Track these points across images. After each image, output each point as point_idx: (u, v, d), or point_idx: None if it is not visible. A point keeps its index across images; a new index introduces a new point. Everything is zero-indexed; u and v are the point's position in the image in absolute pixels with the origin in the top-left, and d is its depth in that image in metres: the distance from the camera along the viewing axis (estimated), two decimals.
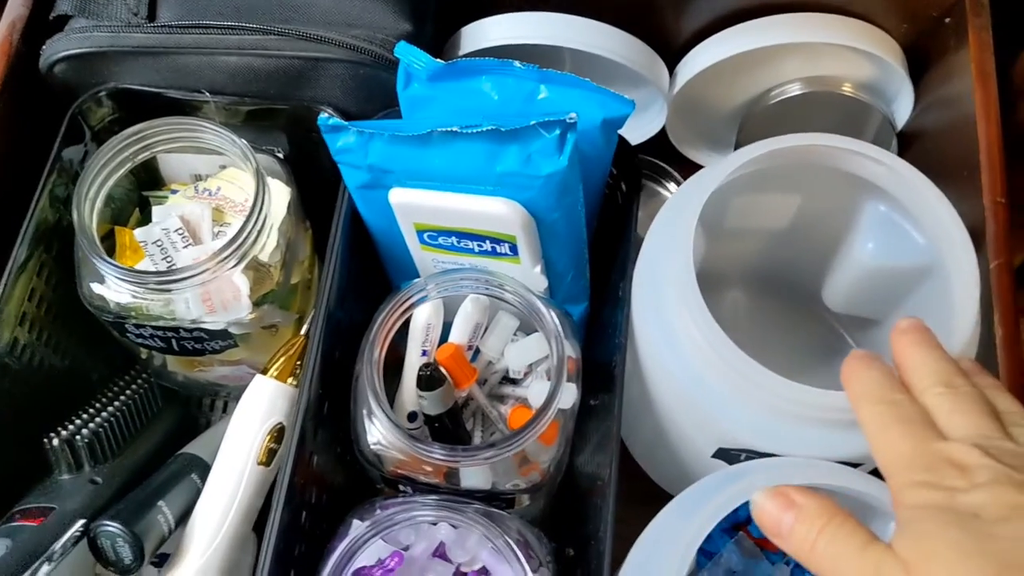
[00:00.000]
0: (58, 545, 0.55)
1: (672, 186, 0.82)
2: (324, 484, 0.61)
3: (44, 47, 0.62)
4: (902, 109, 0.72)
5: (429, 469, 0.56)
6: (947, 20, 0.67)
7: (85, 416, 0.61)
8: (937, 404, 0.41)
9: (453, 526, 0.56)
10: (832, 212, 0.64)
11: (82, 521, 0.57)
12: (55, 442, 0.59)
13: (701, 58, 0.70)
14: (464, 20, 0.71)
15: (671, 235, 0.56)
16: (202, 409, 0.74)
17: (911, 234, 0.60)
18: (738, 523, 0.59)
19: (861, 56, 0.70)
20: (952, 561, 0.35)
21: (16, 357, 0.61)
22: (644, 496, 0.65)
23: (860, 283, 0.65)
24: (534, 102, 0.58)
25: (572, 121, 0.53)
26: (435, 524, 0.56)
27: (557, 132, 0.54)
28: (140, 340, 0.62)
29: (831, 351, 0.74)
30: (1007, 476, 0.37)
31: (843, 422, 0.50)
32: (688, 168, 0.79)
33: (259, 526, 0.61)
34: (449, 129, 0.54)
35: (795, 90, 0.73)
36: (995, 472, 0.37)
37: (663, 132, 0.78)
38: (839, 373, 0.47)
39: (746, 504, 0.58)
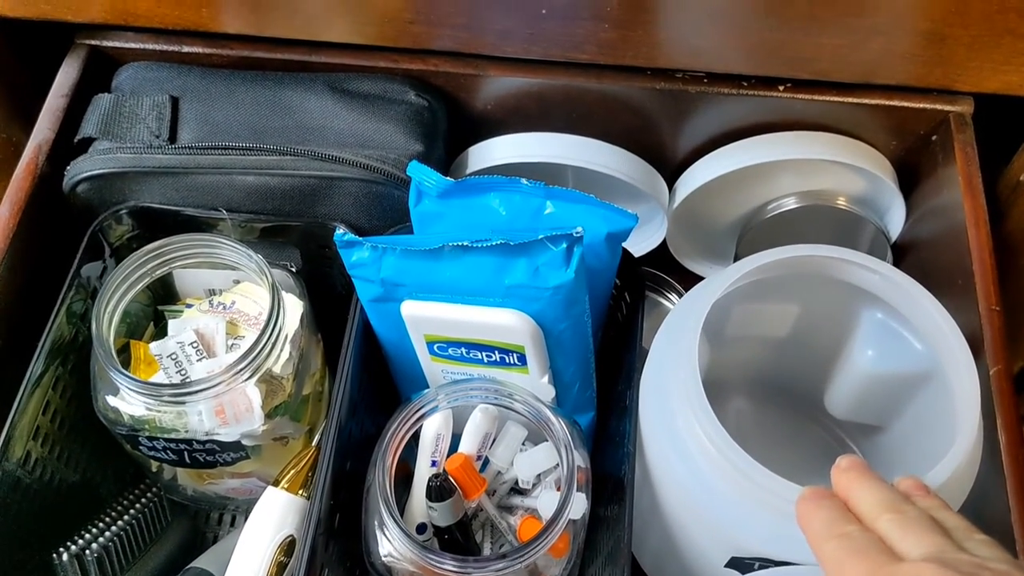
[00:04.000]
0: None
1: (674, 297, 0.84)
2: None
3: (68, 168, 0.65)
4: (895, 221, 0.75)
5: None
6: (934, 137, 0.70)
7: (95, 531, 0.61)
8: (888, 530, 0.42)
9: None
10: (831, 320, 0.66)
11: None
12: (64, 557, 0.59)
13: (699, 174, 0.73)
14: (471, 140, 0.74)
15: (676, 344, 0.57)
16: (210, 524, 0.74)
17: (909, 341, 0.62)
18: None
19: (853, 171, 0.73)
20: None
21: (28, 471, 0.61)
22: None
23: (861, 390, 0.66)
24: (541, 217, 0.61)
25: (579, 235, 0.55)
26: None
27: (564, 245, 0.56)
28: (152, 453, 0.62)
29: (834, 458, 0.74)
30: None
31: None
32: (689, 279, 0.81)
33: None
34: (460, 243, 0.56)
35: (791, 204, 0.76)
36: None
37: (664, 245, 0.80)
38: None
39: None
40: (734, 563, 0.56)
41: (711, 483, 0.54)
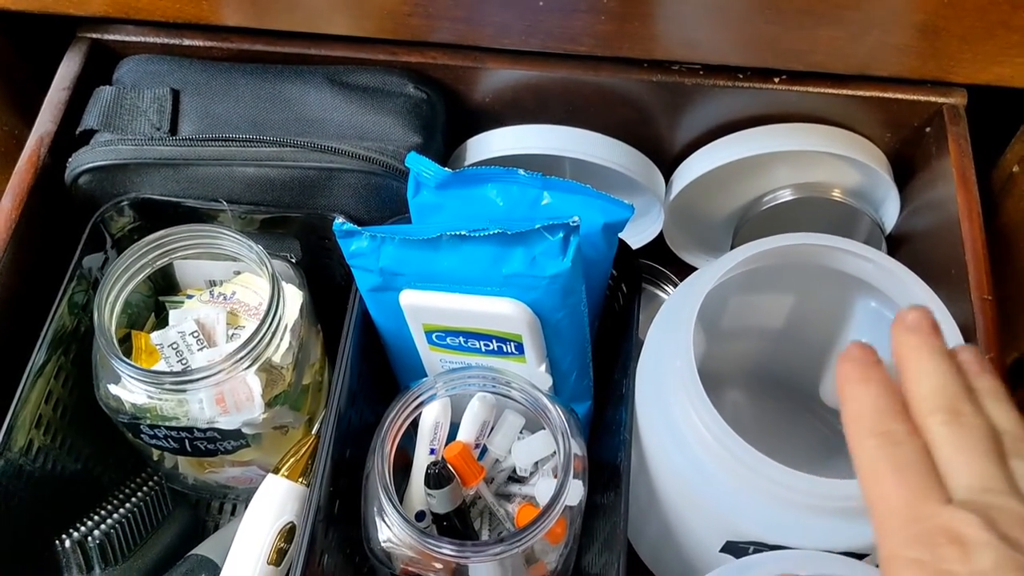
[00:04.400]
0: None
1: (670, 289, 0.85)
2: None
3: (70, 160, 0.65)
4: (889, 213, 0.75)
5: (439, 566, 0.57)
6: (927, 129, 0.71)
7: (96, 518, 0.62)
8: (939, 438, 0.38)
9: None
10: (825, 310, 0.67)
11: None
12: (67, 544, 0.60)
13: (695, 166, 0.73)
14: (469, 133, 0.75)
15: (672, 332, 0.58)
16: (211, 512, 0.74)
17: None
18: None
19: (848, 163, 0.73)
20: None
21: (31, 459, 0.61)
22: None
23: None
24: (538, 208, 0.61)
25: (575, 224, 0.56)
26: None
27: (561, 235, 0.56)
28: (154, 442, 0.63)
29: (830, 448, 0.75)
30: (1009, 560, 0.34)
31: (851, 511, 0.51)
32: (685, 272, 0.81)
33: None
34: (458, 233, 0.56)
35: (786, 196, 0.76)
36: (998, 555, 0.34)
37: (660, 237, 0.81)
38: (839, 470, 0.47)
39: None
40: (729, 547, 0.56)
41: (707, 469, 0.55)
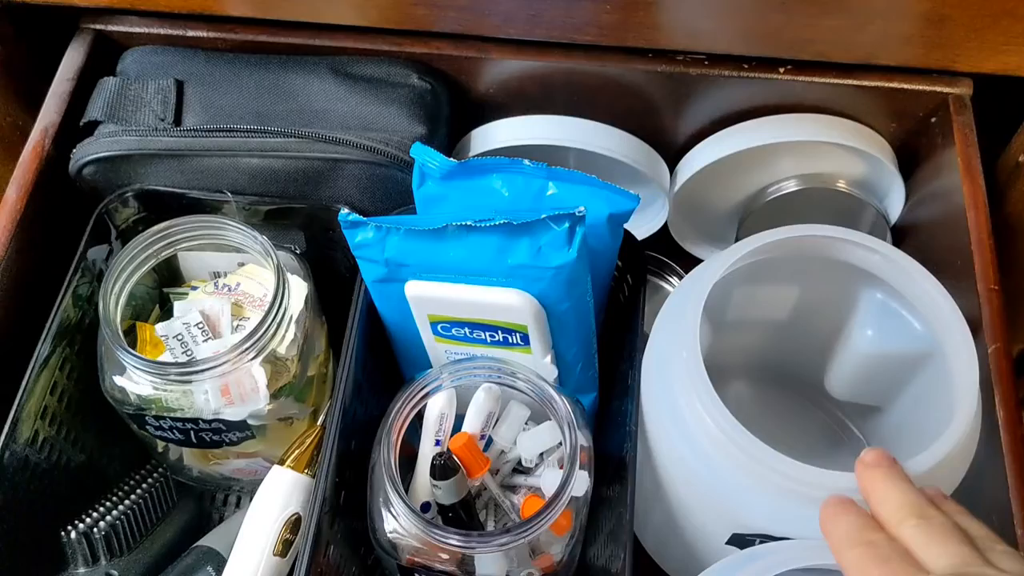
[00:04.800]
0: None
1: (675, 281, 0.85)
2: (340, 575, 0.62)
3: (74, 151, 0.65)
4: (894, 204, 0.75)
5: (445, 557, 0.57)
6: (933, 119, 0.71)
7: (102, 509, 0.62)
8: (913, 537, 0.42)
9: None
10: (831, 302, 0.66)
11: None
12: (72, 535, 0.60)
13: (700, 157, 0.73)
14: (473, 124, 0.74)
15: (678, 323, 0.58)
16: (215, 505, 0.74)
17: (909, 321, 0.62)
18: None
19: (853, 154, 0.73)
20: None
21: (37, 450, 0.62)
22: None
23: (861, 370, 0.67)
24: (543, 198, 0.61)
25: (581, 215, 0.56)
26: None
27: (567, 225, 0.56)
28: (159, 433, 0.63)
29: (835, 440, 0.75)
30: None
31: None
32: (690, 263, 0.81)
33: None
34: (463, 223, 0.56)
35: (791, 187, 0.76)
36: None
37: (665, 228, 0.81)
38: (844, 462, 0.49)
39: None
40: (735, 540, 0.56)
41: (713, 461, 0.55)
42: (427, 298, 0.61)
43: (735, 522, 0.55)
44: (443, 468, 0.58)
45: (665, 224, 0.81)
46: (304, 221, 0.68)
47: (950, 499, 0.46)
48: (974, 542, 0.42)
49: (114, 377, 0.61)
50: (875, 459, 0.47)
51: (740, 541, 0.56)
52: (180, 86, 0.68)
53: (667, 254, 0.85)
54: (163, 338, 0.63)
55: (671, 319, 0.61)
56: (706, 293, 0.57)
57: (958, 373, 0.55)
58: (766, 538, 0.55)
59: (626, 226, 0.63)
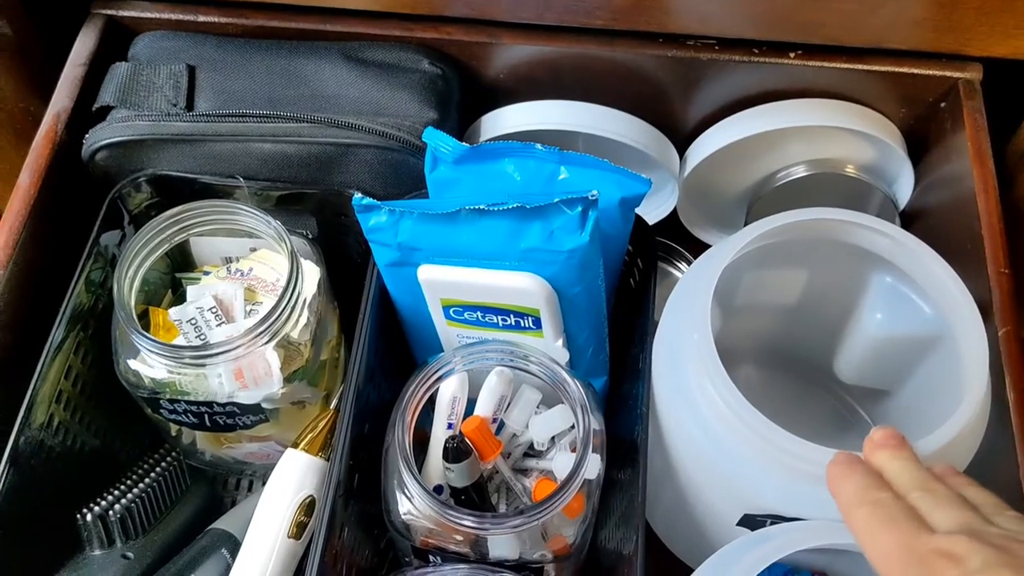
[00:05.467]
0: None
1: (684, 266, 0.85)
2: (354, 558, 0.62)
3: (87, 136, 0.65)
4: (903, 189, 0.75)
5: (459, 538, 0.57)
6: (943, 104, 0.71)
7: (116, 492, 0.63)
8: (919, 502, 0.43)
9: None
10: (840, 285, 0.67)
11: None
12: (88, 517, 0.61)
13: (710, 142, 0.74)
14: (484, 109, 0.75)
15: (688, 306, 0.58)
16: (227, 489, 0.75)
17: (918, 304, 0.62)
18: None
19: (862, 139, 0.73)
20: None
21: (52, 434, 0.62)
22: (665, 572, 0.65)
23: (870, 354, 0.67)
24: (555, 182, 0.61)
25: (594, 198, 0.56)
26: None
27: (579, 209, 0.56)
28: (173, 416, 0.63)
29: (844, 424, 0.75)
30: (998, 558, 0.38)
31: None
32: (699, 249, 0.81)
33: None
34: (476, 207, 0.57)
35: (800, 172, 0.76)
36: (986, 555, 0.38)
37: (674, 214, 0.81)
38: (852, 446, 0.49)
39: (772, 572, 0.59)
40: (746, 521, 0.57)
41: (724, 442, 0.55)
42: (440, 282, 0.61)
43: (746, 503, 0.56)
44: (456, 451, 0.59)
45: (674, 210, 0.81)
46: (316, 206, 0.68)
47: (959, 473, 0.47)
48: (979, 509, 0.43)
49: (128, 361, 0.61)
50: (883, 438, 0.48)
51: (751, 522, 0.57)
52: (192, 71, 0.68)
53: (676, 240, 0.85)
54: (176, 323, 0.64)
55: (682, 302, 0.61)
56: (718, 275, 0.57)
57: (968, 356, 0.56)
58: (777, 519, 0.55)
59: (635, 211, 0.64)
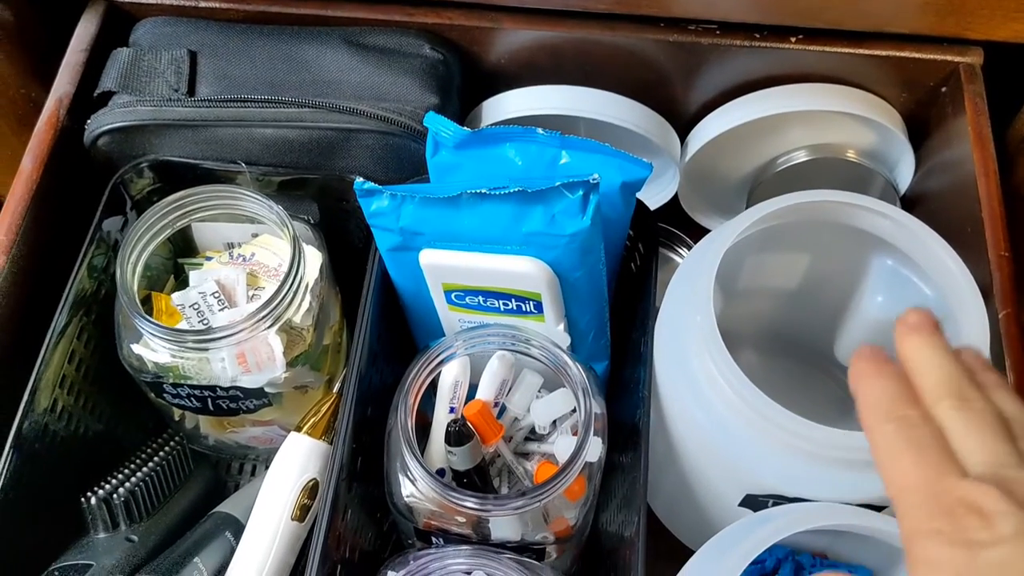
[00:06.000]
0: None
1: (684, 252, 0.85)
2: (357, 540, 0.62)
3: (89, 121, 0.66)
4: (904, 174, 0.76)
5: (461, 520, 0.57)
6: (943, 89, 0.71)
7: (121, 476, 0.63)
8: (950, 420, 0.39)
9: (488, 575, 0.56)
10: (841, 269, 0.67)
11: None
12: (92, 501, 0.61)
13: (711, 127, 0.74)
14: (485, 95, 0.75)
15: (691, 288, 0.58)
16: (231, 473, 0.75)
17: (919, 287, 0.63)
18: (765, 573, 0.60)
19: (863, 124, 0.73)
20: None
21: (56, 418, 0.62)
22: (666, 553, 0.66)
23: (871, 337, 0.67)
24: (556, 167, 0.61)
25: (595, 182, 0.56)
26: (469, 573, 0.57)
27: (581, 193, 0.56)
28: (177, 401, 0.64)
29: (845, 408, 0.75)
30: None
31: (869, 463, 0.51)
32: (700, 235, 0.81)
33: None
34: (478, 191, 0.57)
35: (801, 157, 0.76)
36: (1018, 521, 0.35)
37: (675, 200, 0.81)
38: (853, 430, 0.48)
39: (772, 554, 0.59)
40: (748, 501, 0.57)
41: (727, 423, 0.55)
42: (441, 266, 0.61)
43: (748, 483, 0.56)
44: (458, 434, 0.59)
45: (675, 196, 0.81)
46: (317, 192, 0.68)
47: (988, 366, 0.43)
48: (1012, 428, 0.39)
49: (131, 345, 0.61)
50: (918, 321, 0.43)
51: (753, 503, 0.57)
52: (193, 57, 0.68)
53: (677, 226, 0.85)
54: (179, 307, 0.64)
55: (684, 284, 0.61)
56: (720, 256, 0.57)
57: (969, 338, 0.56)
58: (779, 499, 0.56)
59: (638, 196, 0.64)
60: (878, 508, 0.54)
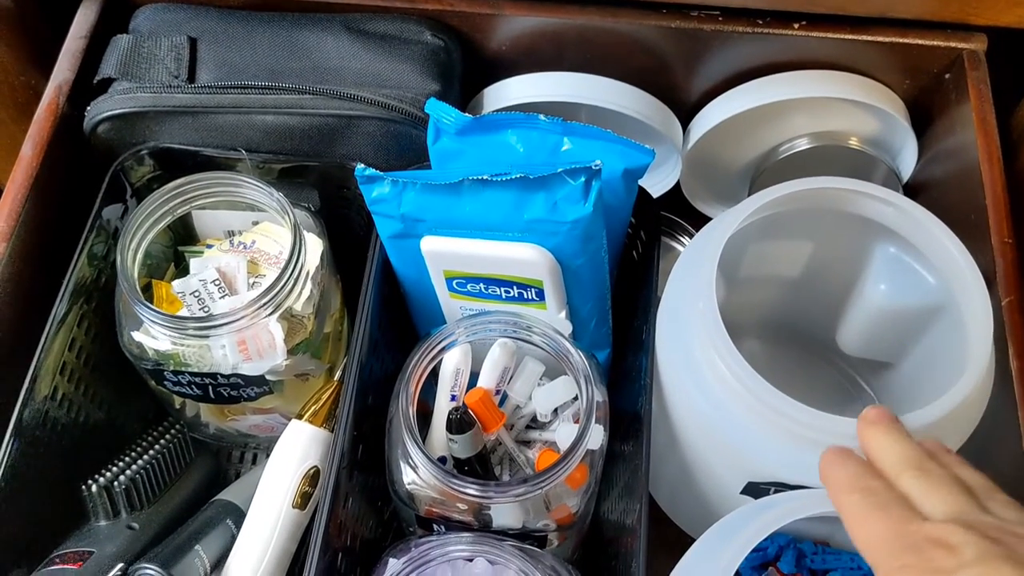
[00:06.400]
0: None
1: (686, 240, 0.85)
2: (358, 528, 0.62)
3: (89, 108, 0.65)
4: (907, 161, 0.75)
5: (462, 507, 0.57)
6: (947, 75, 0.71)
7: (122, 464, 0.63)
8: (911, 487, 0.42)
9: (490, 561, 0.56)
10: (844, 256, 0.67)
11: (120, 565, 0.58)
12: (93, 489, 0.61)
13: (713, 114, 0.73)
14: (486, 82, 0.74)
15: (693, 275, 0.58)
16: (231, 461, 0.75)
17: (922, 274, 0.62)
18: (767, 561, 0.60)
19: (866, 111, 0.73)
20: None
21: (57, 406, 0.62)
22: (668, 542, 0.65)
23: (874, 325, 0.67)
24: (558, 154, 0.61)
25: (597, 168, 0.56)
26: (471, 560, 0.57)
27: (583, 179, 0.56)
28: (177, 388, 0.63)
29: (847, 397, 0.75)
30: (993, 551, 0.37)
31: None
32: (702, 223, 0.81)
33: (292, 571, 0.62)
34: (479, 177, 0.56)
35: (803, 145, 0.76)
36: (981, 547, 0.38)
37: (677, 189, 0.81)
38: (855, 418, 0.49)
39: (774, 541, 0.59)
40: (749, 489, 0.57)
41: (728, 410, 0.55)
42: (443, 253, 0.61)
43: (750, 471, 0.56)
44: (459, 422, 0.59)
45: (676, 184, 0.81)
46: (318, 179, 0.68)
47: (950, 451, 0.46)
48: (973, 491, 0.42)
49: (132, 332, 0.61)
50: (876, 416, 0.47)
51: (755, 490, 0.57)
52: (193, 43, 0.67)
53: (679, 214, 0.85)
54: (180, 295, 0.64)
55: (686, 271, 0.61)
56: (723, 243, 0.57)
57: (972, 324, 0.56)
58: (780, 486, 0.55)
59: (640, 184, 0.63)
60: None
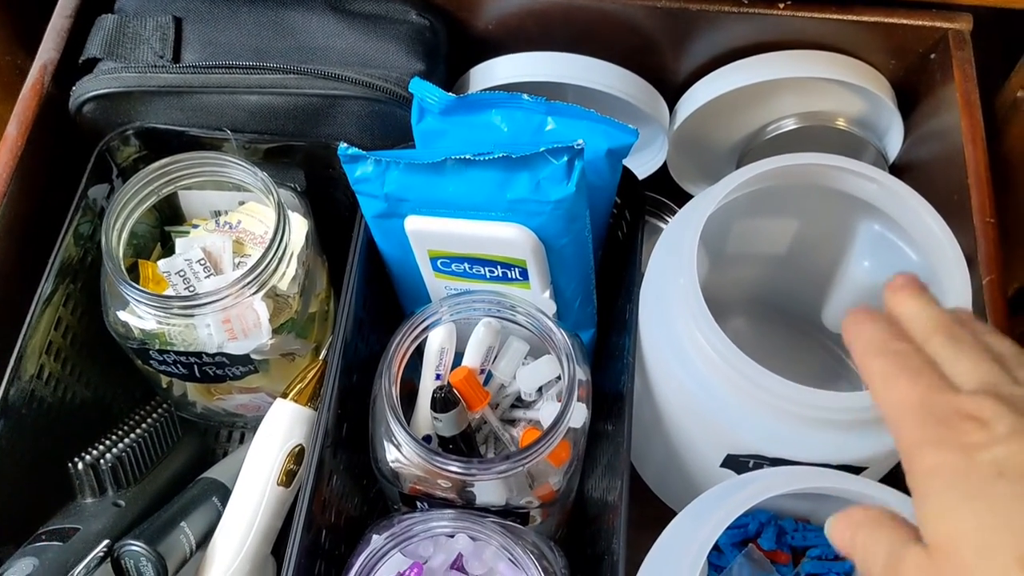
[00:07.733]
0: (82, 565, 0.56)
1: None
2: (343, 505, 0.63)
3: (74, 88, 0.65)
4: (893, 142, 0.75)
5: (446, 484, 0.58)
6: (932, 56, 0.71)
7: (108, 442, 0.63)
8: (940, 352, 0.40)
9: (471, 537, 0.57)
10: (828, 234, 0.67)
11: (106, 541, 0.58)
12: (80, 466, 0.61)
13: (700, 94, 0.73)
14: (472, 61, 0.74)
15: (675, 251, 0.58)
16: (219, 441, 0.76)
17: (906, 252, 0.63)
18: (747, 537, 0.60)
19: (852, 91, 0.73)
20: (981, 546, 0.34)
21: (43, 384, 0.62)
22: (655, 521, 0.66)
23: (858, 302, 0.66)
24: (542, 133, 0.61)
25: (580, 148, 0.56)
26: (453, 536, 0.57)
27: (565, 159, 0.56)
28: (163, 368, 0.64)
29: (832, 374, 0.76)
30: None
31: (848, 423, 0.52)
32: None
33: (278, 548, 0.62)
34: (462, 157, 0.57)
35: (790, 125, 0.76)
36: (1013, 421, 0.35)
37: (665, 168, 0.81)
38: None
39: (755, 518, 0.60)
40: (729, 461, 0.57)
41: (709, 384, 0.56)
42: (427, 233, 0.61)
43: (729, 443, 0.56)
44: (443, 401, 0.59)
45: (664, 165, 0.81)
46: (304, 159, 0.68)
47: (978, 320, 0.44)
48: (1004, 360, 0.40)
49: (118, 312, 0.62)
50: (904, 281, 0.44)
51: (734, 463, 0.57)
52: (179, 23, 0.67)
53: (666, 195, 0.85)
54: (165, 274, 0.64)
55: (669, 248, 0.61)
56: (704, 219, 0.57)
57: (952, 302, 0.56)
58: (760, 459, 0.56)
59: (625, 163, 0.63)
60: (858, 470, 0.54)
